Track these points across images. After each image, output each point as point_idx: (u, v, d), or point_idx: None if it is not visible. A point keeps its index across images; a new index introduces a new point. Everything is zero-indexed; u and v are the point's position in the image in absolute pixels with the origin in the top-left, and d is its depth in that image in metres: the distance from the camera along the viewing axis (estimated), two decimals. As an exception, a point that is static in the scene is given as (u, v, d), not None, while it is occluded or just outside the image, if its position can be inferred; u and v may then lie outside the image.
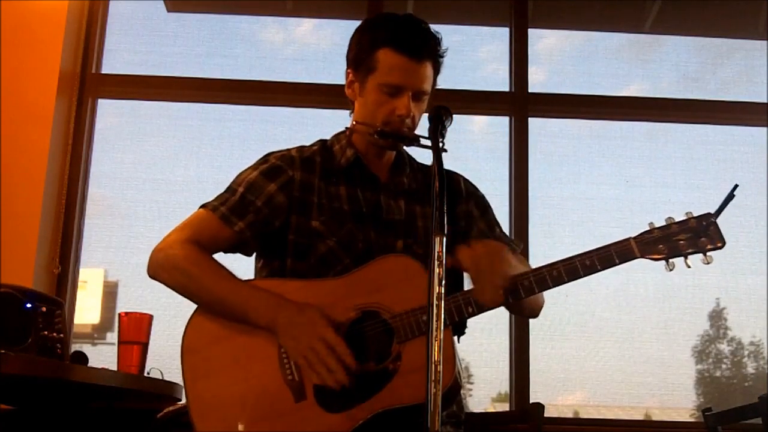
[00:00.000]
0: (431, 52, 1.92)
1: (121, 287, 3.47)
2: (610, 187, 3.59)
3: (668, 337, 3.41)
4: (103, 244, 3.44)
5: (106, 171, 3.51)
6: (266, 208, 1.91)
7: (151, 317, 2.66)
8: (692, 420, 3.37)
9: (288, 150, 2.03)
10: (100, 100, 3.54)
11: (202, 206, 1.94)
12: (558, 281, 1.73)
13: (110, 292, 3.47)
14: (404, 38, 1.89)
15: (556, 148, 3.63)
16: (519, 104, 3.53)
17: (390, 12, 2.01)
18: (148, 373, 2.63)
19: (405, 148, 2.03)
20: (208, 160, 3.58)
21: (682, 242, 1.72)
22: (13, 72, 3.24)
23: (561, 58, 3.83)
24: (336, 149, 2.03)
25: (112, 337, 3.10)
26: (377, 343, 1.76)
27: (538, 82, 3.63)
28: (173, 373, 2.88)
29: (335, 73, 3.65)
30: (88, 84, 3.47)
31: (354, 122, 2.00)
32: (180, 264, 1.86)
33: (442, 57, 1.96)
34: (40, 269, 3.18)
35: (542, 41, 3.79)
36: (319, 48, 3.79)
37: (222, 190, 1.97)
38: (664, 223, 1.75)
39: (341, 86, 3.53)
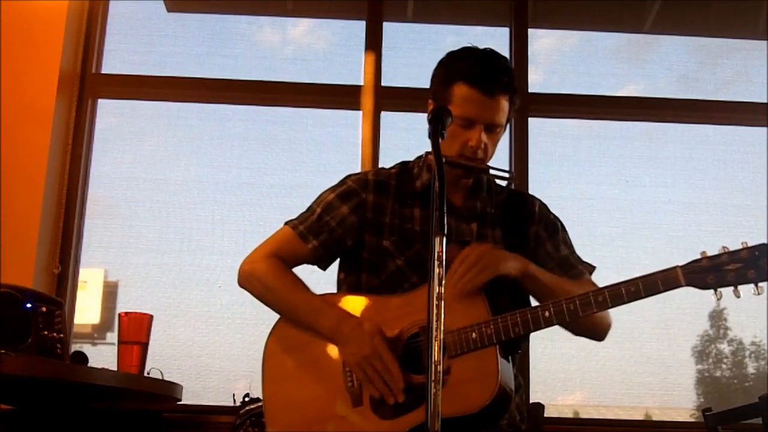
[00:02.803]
0: (505, 87, 2.00)
1: (121, 287, 3.47)
2: (610, 187, 3.59)
3: (668, 337, 3.41)
4: (103, 244, 3.44)
5: (106, 171, 3.50)
6: (340, 229, 2.08)
7: (151, 317, 2.67)
8: (692, 420, 3.37)
9: (365, 173, 2.18)
10: (100, 100, 3.53)
11: (286, 223, 2.12)
12: (602, 306, 1.80)
13: (110, 292, 3.47)
14: (477, 74, 1.96)
15: (556, 148, 3.63)
16: (519, 104, 3.52)
17: (469, 46, 2.06)
18: (148, 373, 2.63)
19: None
20: (208, 160, 3.57)
21: (730, 273, 1.72)
22: (13, 72, 3.24)
23: (561, 58, 3.83)
24: (415, 172, 2.14)
25: (112, 337, 3.10)
26: None
27: (537, 82, 3.63)
28: (173, 373, 2.89)
29: (335, 72, 3.69)
30: (88, 84, 3.47)
31: (426, 153, 2.12)
32: (262, 277, 2.05)
33: (516, 91, 2.05)
34: (40, 269, 3.18)
35: (542, 41, 3.79)
36: (319, 48, 3.79)
37: (303, 210, 2.14)
38: (715, 252, 1.74)
39: (341, 86, 3.59)
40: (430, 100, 2.09)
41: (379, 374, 1.85)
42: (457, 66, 2.01)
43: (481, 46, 2.06)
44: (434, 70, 2.09)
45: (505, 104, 2.00)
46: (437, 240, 1.45)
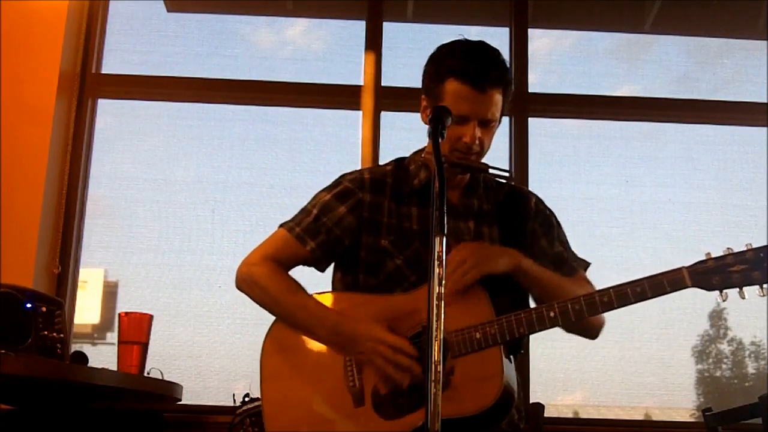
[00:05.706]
0: (496, 81, 1.95)
1: (121, 287, 3.47)
2: (610, 187, 3.59)
3: (668, 337, 3.41)
4: (103, 244, 3.44)
5: (106, 171, 3.50)
6: (337, 229, 2.05)
7: (151, 317, 2.67)
8: (692, 420, 3.37)
9: (361, 171, 2.15)
10: (100, 100, 3.53)
11: (281, 225, 2.09)
12: (608, 307, 1.78)
13: (110, 292, 3.47)
14: (469, 69, 1.93)
15: (556, 148, 3.63)
16: (519, 104, 3.53)
17: (460, 39, 2.02)
18: (148, 373, 2.64)
19: None
20: (208, 160, 3.57)
21: (735, 275, 1.72)
22: (13, 72, 3.24)
23: (561, 58, 3.83)
24: (412, 169, 2.11)
25: (112, 337, 3.10)
26: None
27: (537, 82, 3.63)
28: (173, 373, 2.89)
29: (335, 72, 3.69)
30: (88, 84, 3.47)
31: (425, 152, 2.09)
32: (258, 280, 2.03)
33: (510, 83, 2.00)
34: (40, 269, 3.18)
35: (541, 41, 3.79)
36: (319, 48, 3.80)
37: (298, 211, 2.10)
38: (721, 253, 1.73)
39: (341, 86, 3.58)
40: (423, 96, 2.06)
41: (390, 359, 1.83)
42: (448, 62, 1.97)
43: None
44: (425, 66, 2.05)
45: (498, 98, 1.96)
46: (437, 240, 1.45)
